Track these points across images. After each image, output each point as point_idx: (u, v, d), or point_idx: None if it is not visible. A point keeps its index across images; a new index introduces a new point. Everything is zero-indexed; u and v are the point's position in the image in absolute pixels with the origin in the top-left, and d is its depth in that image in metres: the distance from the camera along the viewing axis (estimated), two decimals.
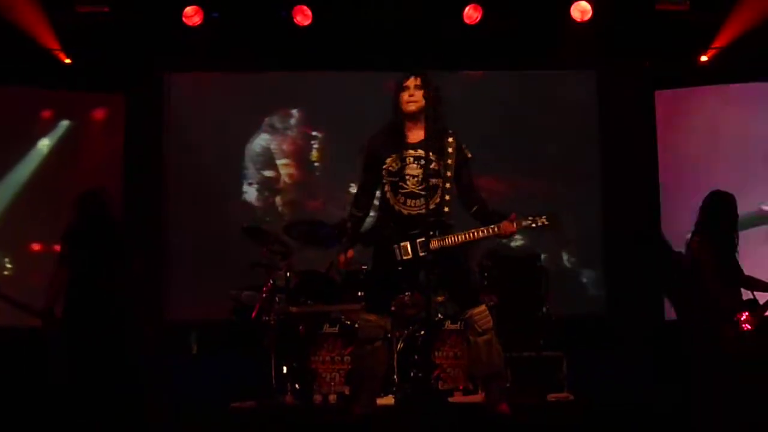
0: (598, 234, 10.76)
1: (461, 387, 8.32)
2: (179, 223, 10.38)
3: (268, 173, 10.89)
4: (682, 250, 7.86)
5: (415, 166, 6.58)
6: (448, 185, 6.60)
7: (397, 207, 6.57)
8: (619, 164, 10.24)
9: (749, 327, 7.48)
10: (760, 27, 9.58)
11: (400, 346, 8.11)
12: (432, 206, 6.46)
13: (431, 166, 6.49)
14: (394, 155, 6.60)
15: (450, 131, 6.68)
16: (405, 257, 6.54)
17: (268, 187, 10.86)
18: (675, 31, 9.92)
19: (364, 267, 8.26)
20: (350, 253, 6.73)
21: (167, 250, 10.21)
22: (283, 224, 9.12)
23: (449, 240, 6.55)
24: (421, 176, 6.53)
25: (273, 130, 10.89)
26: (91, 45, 9.89)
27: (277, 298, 8.78)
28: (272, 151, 10.92)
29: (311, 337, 8.48)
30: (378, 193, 6.75)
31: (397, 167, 6.58)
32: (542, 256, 9.58)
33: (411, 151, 6.60)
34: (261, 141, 10.89)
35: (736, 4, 9.55)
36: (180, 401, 8.71)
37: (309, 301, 8.73)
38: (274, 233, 8.81)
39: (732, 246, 7.84)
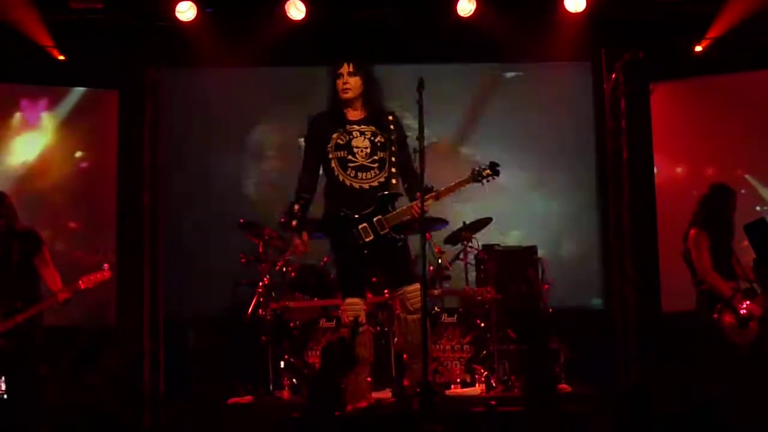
0: (596, 225, 10.75)
1: (458, 380, 8.33)
2: (176, 219, 10.35)
3: (265, 168, 10.86)
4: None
5: (361, 138, 6.71)
6: (393, 158, 6.70)
7: (347, 182, 6.65)
8: (615, 155, 10.21)
9: (755, 314, 7.51)
10: (755, 17, 9.55)
11: (396, 339, 8.07)
12: (382, 179, 6.64)
13: (377, 139, 6.64)
14: (340, 130, 6.69)
15: (389, 110, 6.80)
16: (367, 239, 6.59)
17: (266, 181, 10.83)
18: (670, 22, 9.89)
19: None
20: (305, 236, 6.75)
21: (164, 246, 10.17)
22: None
23: (402, 212, 6.63)
24: (369, 149, 6.66)
25: (271, 124, 10.84)
26: (85, 41, 9.85)
27: (273, 293, 8.78)
28: (270, 145, 10.88)
29: (308, 332, 8.48)
30: (324, 176, 6.82)
31: (344, 141, 6.66)
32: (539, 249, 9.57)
33: (355, 126, 6.73)
34: (258, 136, 10.86)
35: None
36: (177, 397, 8.71)
37: (305, 296, 8.72)
38: (271, 228, 8.79)
39: (728, 236, 7.87)
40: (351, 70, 6.74)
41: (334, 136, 6.69)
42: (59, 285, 7.69)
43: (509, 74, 11.01)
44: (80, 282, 7.63)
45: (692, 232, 7.86)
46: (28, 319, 7.53)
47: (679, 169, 10.48)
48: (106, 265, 7.77)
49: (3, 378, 7.57)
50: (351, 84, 6.72)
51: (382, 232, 6.63)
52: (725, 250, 7.90)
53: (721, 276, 7.76)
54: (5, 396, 7.53)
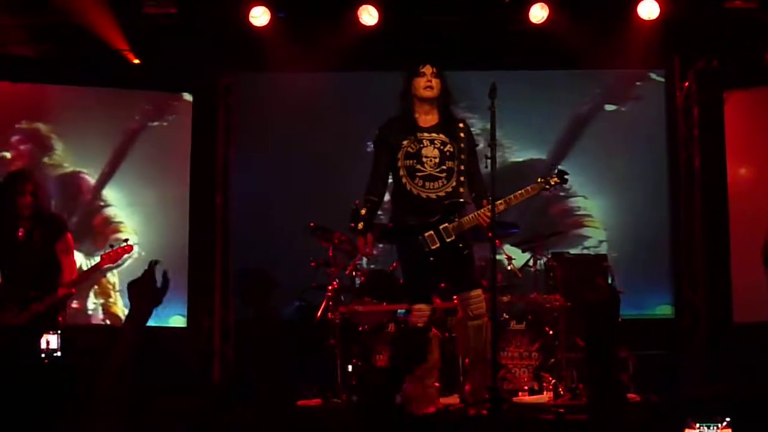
0: (667, 234, 10.65)
1: (526, 387, 8.30)
2: (246, 221, 10.42)
3: (335, 172, 10.80)
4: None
5: (431, 147, 6.71)
6: (462, 167, 6.72)
7: (415, 191, 6.67)
8: (687, 165, 10.12)
9: None
10: None
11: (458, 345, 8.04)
12: (449, 189, 6.65)
13: (446, 149, 6.63)
14: (410, 137, 6.70)
15: (460, 118, 6.84)
16: (433, 246, 6.60)
17: (336, 186, 10.78)
18: (744, 30, 9.78)
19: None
20: (369, 237, 6.77)
21: (234, 248, 10.26)
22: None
23: (468, 220, 6.66)
24: (438, 158, 6.66)
25: (341, 129, 10.81)
26: (159, 46, 9.97)
27: (342, 297, 8.82)
28: (340, 150, 10.82)
29: (376, 336, 8.50)
30: (392, 184, 6.86)
31: (414, 149, 6.66)
32: (609, 257, 9.51)
33: (426, 134, 6.74)
34: (329, 140, 10.80)
35: None
36: (246, 399, 8.78)
37: (374, 300, 8.75)
38: (341, 232, 8.81)
39: None
40: (434, 71, 6.78)
41: (405, 143, 6.72)
42: (73, 275, 7.56)
43: (609, 107, 10.96)
44: (102, 260, 7.55)
45: None
46: (50, 309, 7.33)
47: (751, 176, 10.33)
48: (128, 239, 7.71)
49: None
50: (434, 84, 6.76)
51: (448, 240, 6.64)
52: None
53: None
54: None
